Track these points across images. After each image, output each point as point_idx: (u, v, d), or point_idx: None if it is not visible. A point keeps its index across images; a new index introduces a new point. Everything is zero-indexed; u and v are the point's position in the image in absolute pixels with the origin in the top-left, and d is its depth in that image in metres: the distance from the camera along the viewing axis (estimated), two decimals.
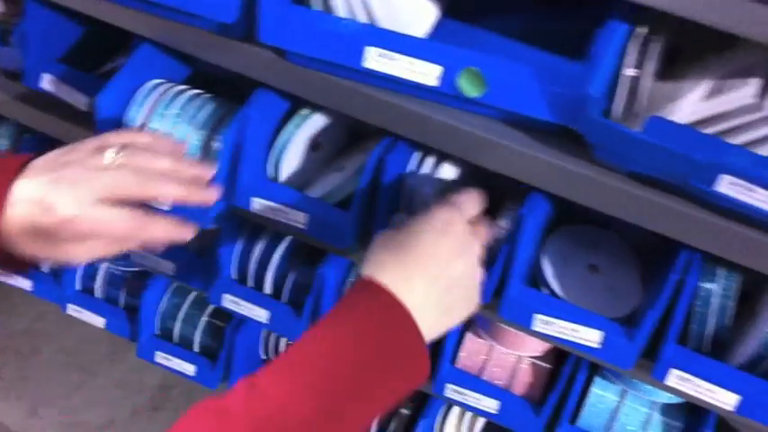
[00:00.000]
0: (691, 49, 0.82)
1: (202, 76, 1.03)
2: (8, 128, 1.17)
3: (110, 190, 0.68)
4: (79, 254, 0.72)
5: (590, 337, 0.89)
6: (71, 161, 0.69)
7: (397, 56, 0.76)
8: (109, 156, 0.71)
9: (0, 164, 0.67)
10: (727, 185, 0.70)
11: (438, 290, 0.68)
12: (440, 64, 0.75)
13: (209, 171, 0.77)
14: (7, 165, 0.67)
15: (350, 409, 0.61)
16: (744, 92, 0.71)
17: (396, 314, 0.65)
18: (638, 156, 0.72)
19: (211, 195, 0.75)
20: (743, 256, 0.76)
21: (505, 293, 0.90)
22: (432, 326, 0.67)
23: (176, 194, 0.72)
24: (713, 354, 0.90)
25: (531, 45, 0.84)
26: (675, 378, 0.88)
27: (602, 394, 1.05)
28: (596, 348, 0.89)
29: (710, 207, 0.75)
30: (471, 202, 0.75)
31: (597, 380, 1.05)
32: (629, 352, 0.88)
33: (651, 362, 0.89)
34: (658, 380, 0.88)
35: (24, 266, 0.71)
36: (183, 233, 0.74)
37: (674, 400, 1.02)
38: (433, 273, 0.68)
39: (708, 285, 0.87)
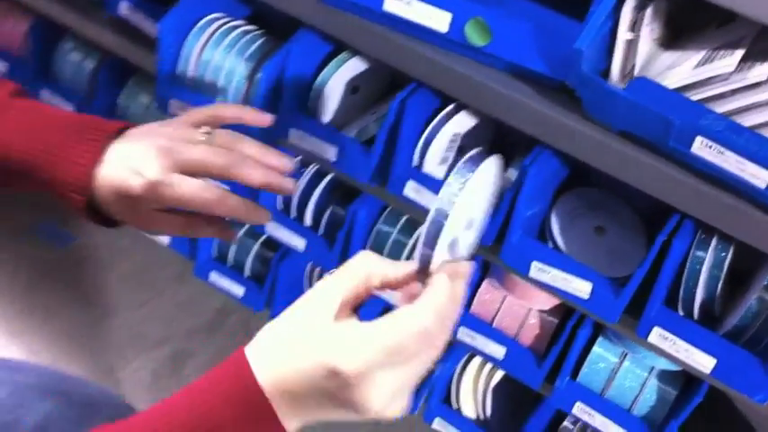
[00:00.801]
0: (697, 23, 0.85)
1: (262, 18, 1.12)
2: (95, 53, 1.30)
3: (197, 163, 0.72)
4: (159, 225, 0.75)
5: (580, 287, 0.94)
6: (166, 133, 0.73)
7: (413, 2, 0.83)
8: (202, 133, 0.75)
9: (100, 125, 0.73)
10: (701, 147, 0.74)
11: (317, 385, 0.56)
12: (449, 11, 0.82)
13: (290, 162, 0.79)
14: (106, 127, 0.73)
15: None
16: (728, 61, 0.75)
17: (255, 405, 0.55)
18: (622, 113, 0.77)
19: (289, 185, 0.77)
20: (719, 219, 0.80)
21: (506, 239, 0.96)
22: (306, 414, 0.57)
23: (259, 179, 0.75)
24: (704, 324, 0.94)
25: (543, 4, 0.89)
26: (657, 336, 0.92)
27: (602, 354, 1.09)
28: (585, 299, 0.94)
29: (691, 170, 0.79)
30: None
31: (600, 340, 1.10)
32: (615, 305, 0.93)
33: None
34: (642, 336, 0.93)
35: (111, 224, 0.76)
36: (260, 216, 0.77)
37: (672, 367, 1.06)
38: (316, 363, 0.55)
39: (699, 253, 0.90)
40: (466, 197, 0.59)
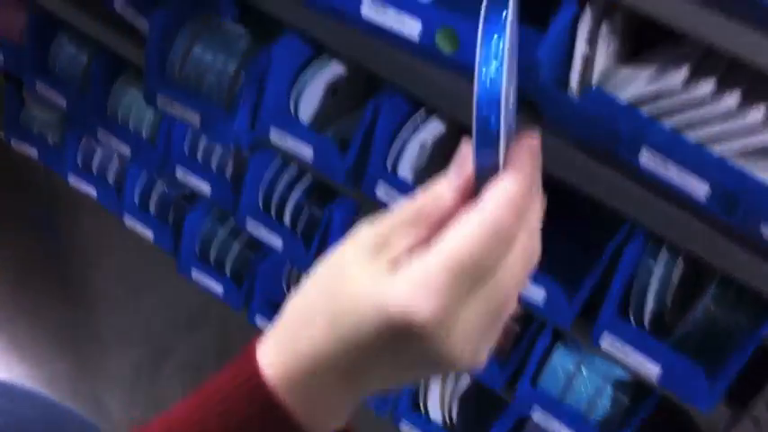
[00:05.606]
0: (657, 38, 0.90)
1: (248, 18, 1.17)
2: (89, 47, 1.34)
3: None
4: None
5: (535, 295, 0.98)
6: None
7: (389, 9, 0.88)
8: None
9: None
10: (648, 157, 0.79)
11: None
12: (420, 19, 0.86)
13: None
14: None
15: None
16: (675, 77, 0.79)
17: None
18: (577, 123, 0.82)
19: None
20: (666, 229, 0.84)
21: None
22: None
23: None
24: (657, 333, 0.98)
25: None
26: (608, 343, 0.96)
27: (560, 361, 1.13)
28: (541, 306, 0.98)
29: (640, 181, 0.83)
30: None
31: (559, 347, 1.13)
32: (568, 311, 0.96)
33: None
34: (594, 342, 0.97)
35: None
36: None
37: (626, 377, 1.09)
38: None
39: (649, 263, 0.94)
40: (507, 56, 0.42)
